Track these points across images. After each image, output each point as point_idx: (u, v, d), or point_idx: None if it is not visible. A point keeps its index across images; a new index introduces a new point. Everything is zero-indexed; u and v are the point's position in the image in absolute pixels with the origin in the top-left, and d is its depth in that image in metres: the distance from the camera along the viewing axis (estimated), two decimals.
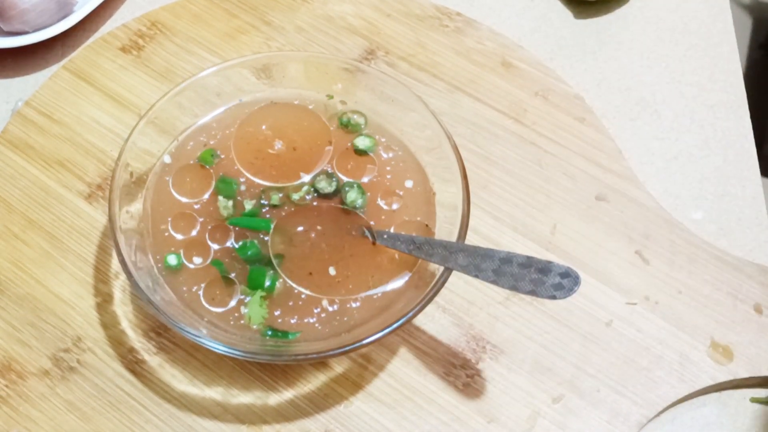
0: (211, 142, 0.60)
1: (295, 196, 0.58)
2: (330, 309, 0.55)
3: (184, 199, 0.58)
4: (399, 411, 0.56)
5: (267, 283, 0.55)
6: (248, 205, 0.58)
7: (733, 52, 0.73)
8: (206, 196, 0.58)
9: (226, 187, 0.58)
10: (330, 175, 0.59)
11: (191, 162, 0.59)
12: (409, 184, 0.59)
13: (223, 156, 0.60)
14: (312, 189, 0.59)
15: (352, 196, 0.58)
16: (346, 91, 0.62)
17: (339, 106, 0.62)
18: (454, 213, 0.56)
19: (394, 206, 0.58)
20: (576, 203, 0.64)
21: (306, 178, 0.59)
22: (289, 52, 0.70)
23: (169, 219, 0.57)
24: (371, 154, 0.60)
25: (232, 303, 0.55)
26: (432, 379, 0.57)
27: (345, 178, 0.59)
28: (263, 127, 0.61)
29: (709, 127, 0.69)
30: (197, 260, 0.56)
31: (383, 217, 0.58)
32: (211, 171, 0.59)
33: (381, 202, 0.58)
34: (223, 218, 0.57)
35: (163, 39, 0.71)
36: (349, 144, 0.60)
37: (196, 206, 0.58)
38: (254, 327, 0.54)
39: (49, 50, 0.73)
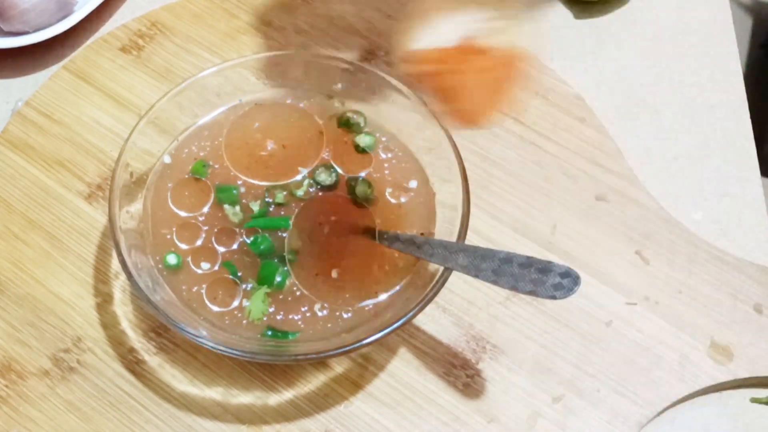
0: (201, 154, 0.60)
1: (299, 192, 0.58)
2: (330, 309, 0.55)
3: (184, 213, 0.58)
4: (399, 411, 0.56)
5: (278, 279, 0.55)
6: (255, 207, 0.58)
7: (733, 52, 0.73)
8: (206, 208, 0.58)
9: (227, 194, 0.58)
10: (329, 167, 0.59)
11: (186, 176, 0.59)
12: (410, 184, 0.59)
13: (217, 165, 0.59)
14: (313, 182, 0.59)
15: (361, 189, 0.58)
16: (346, 91, 0.62)
17: (338, 106, 0.62)
18: (454, 213, 0.56)
19: (402, 199, 0.58)
20: (576, 203, 0.64)
21: (304, 171, 0.59)
22: (289, 52, 0.70)
23: (174, 229, 0.57)
24: (370, 152, 0.60)
25: (235, 303, 0.55)
26: (432, 379, 0.57)
27: (342, 171, 0.59)
28: (251, 130, 0.61)
29: (709, 127, 0.69)
30: (206, 265, 0.56)
31: (391, 215, 0.58)
32: (207, 182, 0.59)
33: (388, 197, 0.59)
34: (234, 224, 0.57)
35: (163, 39, 0.71)
36: (347, 140, 0.60)
37: (200, 218, 0.58)
38: (249, 321, 0.54)
39: (49, 50, 0.73)
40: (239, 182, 0.59)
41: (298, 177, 0.59)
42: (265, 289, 0.55)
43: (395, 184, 0.59)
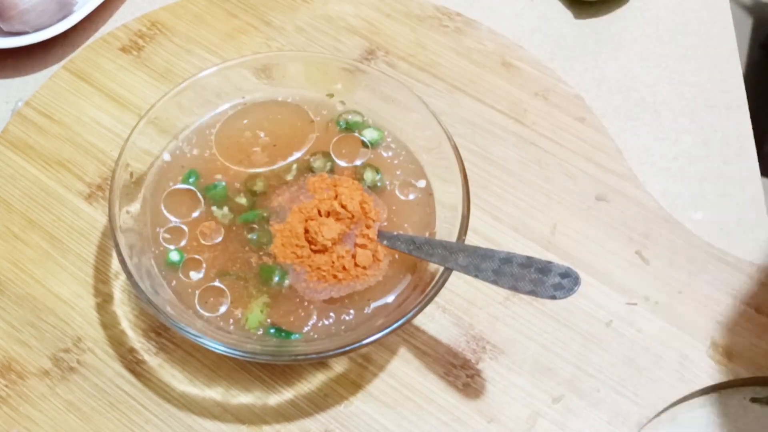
0: (206, 153, 0.60)
1: (288, 176, 0.58)
2: (331, 310, 0.55)
3: (180, 220, 0.58)
4: (399, 411, 0.56)
5: (276, 279, 0.55)
6: (242, 200, 0.58)
7: (733, 52, 0.73)
8: (196, 214, 0.58)
9: (217, 192, 0.58)
10: (326, 155, 0.59)
11: (178, 186, 0.59)
12: (418, 183, 0.59)
13: (211, 158, 0.59)
14: (308, 169, 0.59)
15: (369, 175, 0.58)
16: (346, 91, 0.62)
17: (339, 107, 0.62)
18: (454, 213, 0.56)
19: (411, 196, 0.58)
20: (576, 203, 0.64)
21: (296, 155, 0.59)
22: (289, 52, 0.70)
23: (172, 234, 0.57)
24: (374, 149, 0.60)
25: (234, 304, 0.55)
26: (432, 379, 0.57)
27: (340, 162, 0.59)
28: (242, 128, 0.61)
29: (709, 127, 0.69)
30: (205, 267, 0.56)
31: (393, 213, 0.58)
32: (196, 191, 0.58)
33: (396, 192, 0.59)
34: (227, 224, 0.57)
35: (163, 39, 0.71)
36: (347, 136, 0.60)
37: (195, 224, 0.58)
38: (251, 330, 0.54)
39: (49, 50, 0.73)
40: (219, 178, 0.59)
41: (290, 159, 0.59)
42: (264, 298, 0.55)
43: (399, 182, 0.59)
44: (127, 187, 0.56)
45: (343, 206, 0.56)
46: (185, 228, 0.57)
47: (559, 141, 0.66)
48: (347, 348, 0.51)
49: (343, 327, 0.54)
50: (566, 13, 0.76)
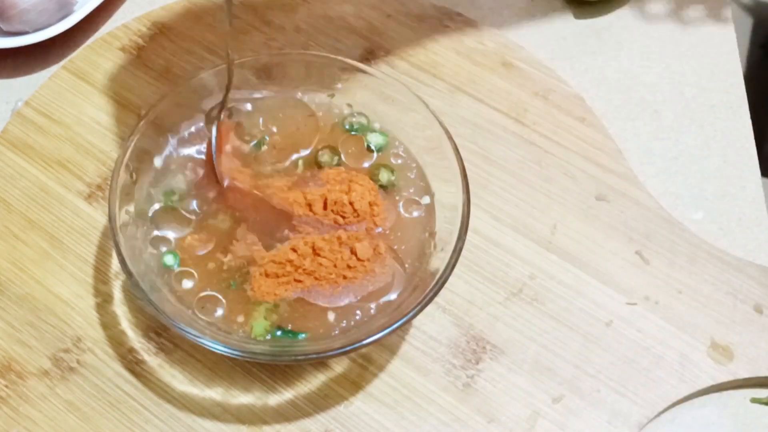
0: (190, 153, 0.60)
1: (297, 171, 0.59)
2: (334, 312, 0.55)
3: (169, 231, 0.57)
4: (399, 411, 0.56)
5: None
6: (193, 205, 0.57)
7: (733, 52, 0.73)
8: (189, 225, 0.58)
9: (210, 208, 0.58)
10: (334, 149, 0.59)
11: (162, 206, 0.58)
12: (423, 200, 0.59)
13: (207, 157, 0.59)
14: (316, 164, 0.59)
15: (384, 176, 0.58)
16: (346, 90, 0.62)
17: (345, 110, 0.62)
18: (454, 213, 0.56)
19: (415, 214, 0.58)
20: (576, 203, 0.64)
21: (304, 152, 0.59)
22: (289, 52, 0.70)
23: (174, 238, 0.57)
24: (379, 153, 0.60)
25: (219, 312, 0.55)
26: (432, 379, 0.57)
27: (348, 162, 0.59)
28: (244, 130, 0.61)
29: (709, 127, 0.69)
30: (204, 269, 0.56)
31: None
32: (182, 212, 0.58)
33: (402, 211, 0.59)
34: (219, 233, 0.57)
35: (163, 39, 0.71)
36: (352, 138, 0.60)
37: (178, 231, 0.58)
38: (257, 338, 0.54)
39: (49, 50, 0.73)
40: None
41: (295, 156, 0.59)
42: (266, 305, 0.54)
43: (403, 191, 0.59)
44: (127, 187, 0.56)
45: (351, 203, 0.56)
46: (177, 236, 0.57)
47: (560, 141, 0.66)
48: (347, 348, 0.51)
49: (345, 326, 0.54)
50: (566, 13, 0.76)
